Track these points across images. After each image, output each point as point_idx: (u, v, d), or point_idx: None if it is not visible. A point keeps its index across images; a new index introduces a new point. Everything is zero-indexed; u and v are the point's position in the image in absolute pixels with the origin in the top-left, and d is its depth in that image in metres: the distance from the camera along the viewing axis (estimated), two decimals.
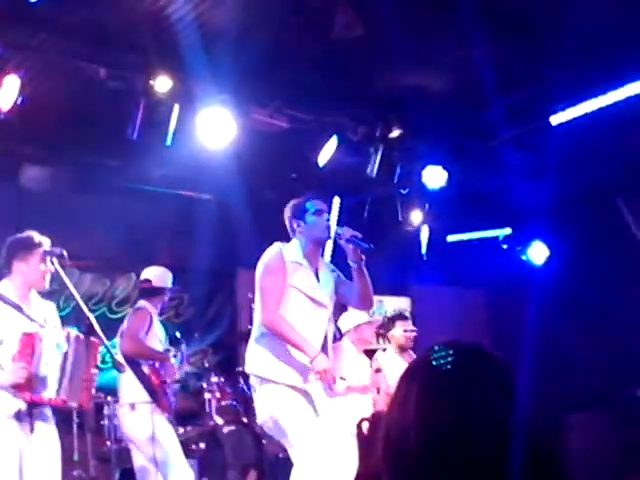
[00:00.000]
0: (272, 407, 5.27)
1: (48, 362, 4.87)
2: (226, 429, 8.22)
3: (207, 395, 8.45)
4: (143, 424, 6.86)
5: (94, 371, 5.16)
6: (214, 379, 8.60)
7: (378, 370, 7.68)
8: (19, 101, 6.51)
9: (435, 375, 1.67)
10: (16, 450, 4.80)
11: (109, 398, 7.58)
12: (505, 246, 11.20)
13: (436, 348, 1.72)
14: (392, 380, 8.01)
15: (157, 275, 7.34)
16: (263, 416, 5.34)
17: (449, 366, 1.67)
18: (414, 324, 11.97)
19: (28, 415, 4.87)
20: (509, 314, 11.54)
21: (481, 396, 1.61)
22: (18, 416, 4.83)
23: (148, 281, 7.31)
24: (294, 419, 5.21)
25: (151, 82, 6.91)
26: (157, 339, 7.17)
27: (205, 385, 8.52)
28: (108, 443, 7.57)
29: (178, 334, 7.61)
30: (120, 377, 7.00)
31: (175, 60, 6.75)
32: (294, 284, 5.34)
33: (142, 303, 7.29)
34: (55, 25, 6.37)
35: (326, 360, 5.22)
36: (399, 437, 1.63)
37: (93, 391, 5.22)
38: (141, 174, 9.02)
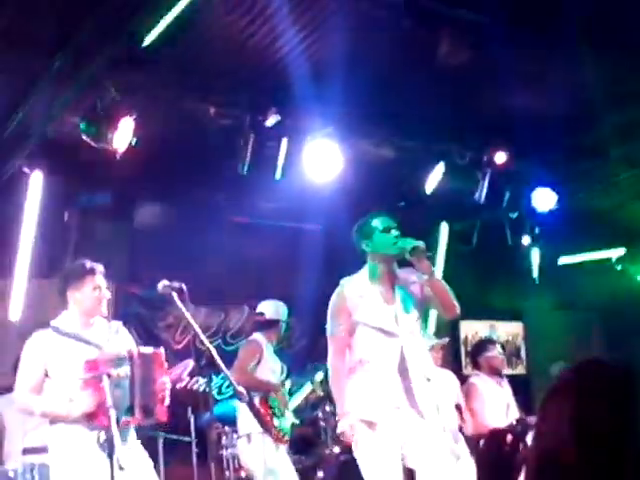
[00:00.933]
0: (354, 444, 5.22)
1: (116, 384, 4.81)
2: (343, 457, 8.24)
3: (322, 423, 8.48)
4: (259, 455, 6.96)
5: (164, 381, 5.10)
6: (328, 408, 8.63)
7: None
8: (133, 142, 6.70)
9: (592, 389, 1.68)
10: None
11: (226, 428, 7.69)
12: (619, 267, 10.94)
13: (585, 364, 1.75)
14: (491, 403, 7.92)
15: (271, 308, 7.48)
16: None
17: (604, 381, 1.68)
18: (527, 349, 11.90)
19: (108, 441, 4.72)
20: (625, 337, 11.28)
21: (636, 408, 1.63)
22: (99, 444, 4.73)
23: (262, 314, 7.46)
24: (366, 458, 5.13)
25: (259, 118, 7.03)
26: (269, 370, 7.27)
27: (320, 414, 8.55)
28: (227, 473, 7.66)
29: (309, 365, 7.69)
30: (238, 409, 7.12)
31: (282, 94, 6.87)
32: (359, 319, 5.22)
33: (255, 336, 7.42)
34: (165, 67, 6.55)
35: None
36: (556, 453, 1.64)
37: (167, 401, 5.11)
38: (251, 208, 9.17)
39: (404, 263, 5.39)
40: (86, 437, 4.81)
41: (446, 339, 8.29)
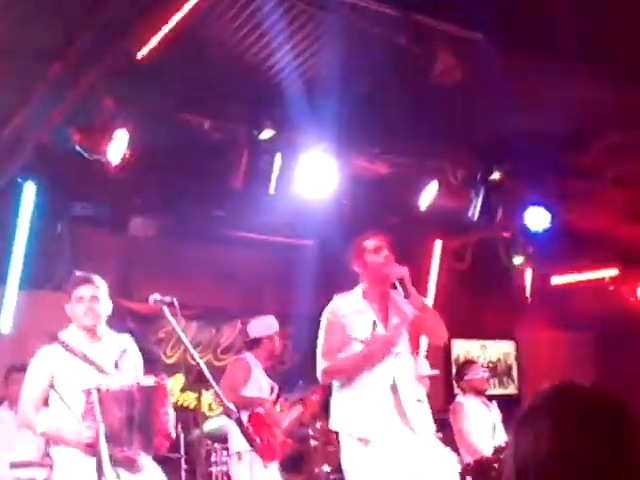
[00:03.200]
0: (344, 460, 5.20)
1: (116, 416, 4.77)
2: (332, 476, 8.20)
3: (313, 442, 8.44)
4: (249, 473, 6.93)
5: (167, 416, 5.01)
6: (319, 425, 8.58)
7: None
8: (127, 155, 6.69)
9: (573, 408, 1.68)
10: None
11: (216, 445, 7.65)
12: (612, 287, 10.95)
13: (557, 388, 1.75)
14: (478, 424, 7.90)
15: (256, 327, 7.45)
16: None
17: (587, 400, 1.68)
18: (519, 368, 11.89)
19: (97, 462, 4.68)
20: (619, 357, 11.28)
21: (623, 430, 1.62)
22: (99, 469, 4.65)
23: (247, 334, 7.45)
24: (357, 476, 5.07)
25: (254, 132, 7.04)
26: (258, 389, 7.24)
27: (310, 432, 8.51)
28: None
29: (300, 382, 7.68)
30: (229, 426, 7.09)
31: (277, 109, 6.88)
32: (354, 335, 5.15)
33: (244, 355, 7.41)
34: (161, 79, 6.55)
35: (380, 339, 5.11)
36: (537, 471, 1.64)
37: (173, 433, 5.07)
38: (245, 222, 9.16)
39: None
40: (84, 463, 4.73)
41: (436, 372, 8.28)
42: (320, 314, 5.40)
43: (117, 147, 6.63)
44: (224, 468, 7.48)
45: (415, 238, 8.69)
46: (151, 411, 4.94)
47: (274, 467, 7.16)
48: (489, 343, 11.90)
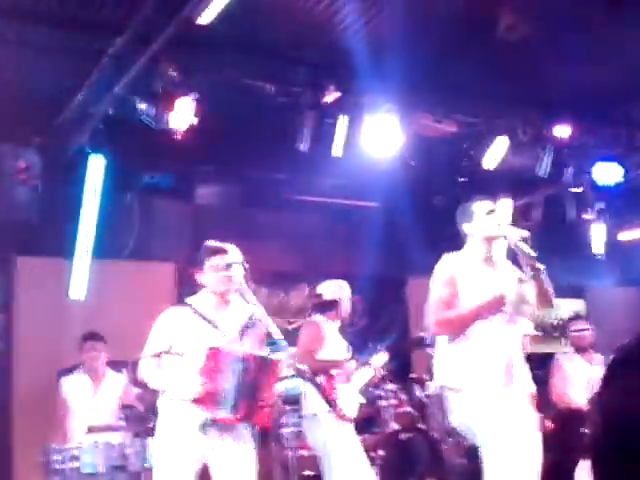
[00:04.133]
0: (463, 415, 5.15)
1: (228, 379, 4.90)
2: (403, 435, 8.23)
3: (383, 402, 8.46)
4: (325, 434, 6.96)
5: (273, 392, 5.14)
6: (389, 386, 8.59)
7: None
8: (193, 122, 6.71)
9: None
10: (193, 463, 4.94)
11: (287, 407, 7.71)
12: None
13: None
14: (576, 380, 7.91)
15: (329, 288, 7.44)
16: (456, 421, 5.24)
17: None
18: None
19: (214, 427, 4.96)
20: None
21: None
22: (203, 428, 4.92)
23: (319, 295, 7.43)
24: (485, 425, 5.03)
25: (318, 94, 7.00)
26: (334, 350, 7.25)
27: (381, 393, 8.53)
28: (286, 452, 7.68)
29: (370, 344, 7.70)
30: (302, 388, 7.13)
31: (341, 71, 6.84)
32: (466, 291, 5.15)
33: (314, 317, 7.40)
34: (223, 46, 6.55)
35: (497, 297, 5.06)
36: (622, 426, 1.61)
37: (271, 411, 5.20)
38: (310, 186, 9.16)
39: None
40: (190, 417, 4.92)
41: (539, 333, 8.36)
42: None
43: (181, 115, 6.64)
44: (294, 429, 7.54)
45: (483, 196, 8.57)
46: (260, 384, 5.05)
47: (350, 427, 7.20)
48: (559, 301, 11.72)
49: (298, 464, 7.63)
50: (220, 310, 5.24)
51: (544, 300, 5.29)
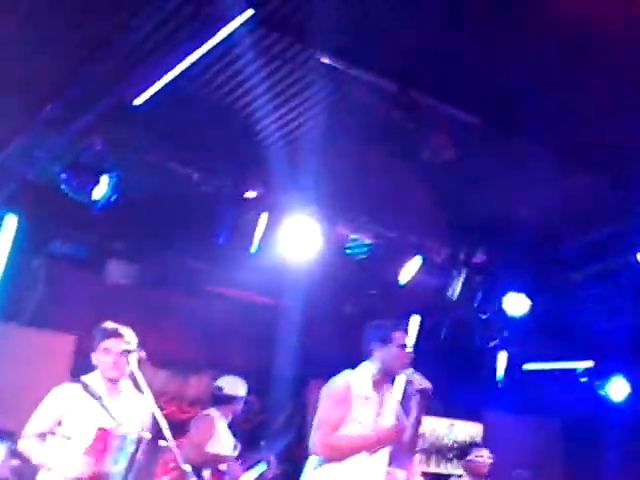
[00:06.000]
0: None
1: (116, 461, 4.84)
2: None
3: None
4: None
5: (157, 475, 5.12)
6: None
7: None
8: (113, 198, 6.68)
9: None
10: None
11: None
12: (584, 379, 10.91)
13: None
14: None
15: (230, 384, 7.40)
16: None
17: None
18: None
19: None
20: (584, 447, 11.23)
21: None
22: None
23: (220, 389, 7.38)
24: None
25: (241, 190, 7.04)
26: (222, 446, 7.17)
27: None
28: None
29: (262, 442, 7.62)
30: None
31: (266, 170, 6.89)
32: (358, 418, 5.19)
33: (209, 410, 7.34)
34: (154, 128, 6.57)
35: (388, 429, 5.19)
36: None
37: None
38: (224, 278, 9.11)
39: None
40: None
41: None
42: (292, 376, 5.44)
43: (103, 190, 6.61)
44: None
45: (393, 311, 8.62)
46: (150, 467, 5.01)
47: None
48: (457, 422, 11.81)
49: None
50: (113, 393, 5.16)
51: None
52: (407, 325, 5.58)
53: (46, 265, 8.54)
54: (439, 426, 11.60)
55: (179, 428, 7.87)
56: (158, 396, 8.85)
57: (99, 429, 4.84)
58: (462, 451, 8.70)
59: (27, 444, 5.00)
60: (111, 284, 8.95)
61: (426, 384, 5.26)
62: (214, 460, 7.11)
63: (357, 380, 5.29)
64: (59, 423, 5.00)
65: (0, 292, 7.80)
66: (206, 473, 7.00)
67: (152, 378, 8.81)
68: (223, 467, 7.14)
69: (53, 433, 5.00)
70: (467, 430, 11.88)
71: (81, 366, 8.27)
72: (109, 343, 5.17)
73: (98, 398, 5.04)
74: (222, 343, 9.48)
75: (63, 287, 8.63)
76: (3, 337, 7.95)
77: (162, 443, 5.06)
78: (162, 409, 8.92)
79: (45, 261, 8.53)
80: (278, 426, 10.21)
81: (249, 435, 9.03)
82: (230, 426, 7.46)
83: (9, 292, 7.90)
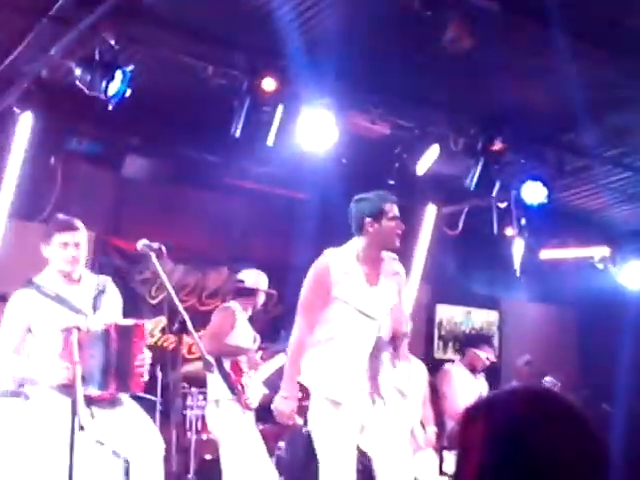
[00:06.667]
0: (311, 419, 5.22)
1: (92, 356, 4.80)
2: (304, 429, 8.25)
3: None
4: (226, 421, 6.98)
5: (143, 356, 5.02)
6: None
7: None
8: (128, 93, 6.61)
9: (503, 419, 1.66)
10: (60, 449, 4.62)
11: (193, 389, 7.69)
12: (601, 266, 10.94)
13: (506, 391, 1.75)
14: (464, 390, 8.01)
15: (251, 277, 7.47)
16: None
17: (518, 410, 1.66)
18: (501, 339, 11.93)
19: (72, 402, 4.69)
20: (599, 336, 11.34)
21: (550, 443, 1.60)
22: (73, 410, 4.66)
23: (241, 281, 7.44)
24: (324, 435, 5.09)
25: (256, 82, 6.95)
26: (241, 338, 7.27)
27: None
28: (189, 434, 7.65)
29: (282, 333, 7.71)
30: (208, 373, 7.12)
31: (281, 62, 6.80)
32: (339, 295, 5.07)
33: (230, 303, 7.42)
34: (167, 21, 6.47)
35: (287, 405, 5.13)
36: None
37: (146, 375, 5.07)
38: (241, 171, 9.10)
39: None
40: (60, 402, 4.75)
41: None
42: (306, 267, 5.35)
43: (117, 85, 6.54)
44: (199, 412, 7.53)
45: (409, 201, 8.62)
46: (128, 352, 4.94)
47: (251, 416, 7.22)
48: (474, 310, 11.93)
49: (199, 448, 7.62)
50: (70, 285, 5.06)
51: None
52: (393, 196, 5.26)
53: (63, 162, 8.53)
54: (456, 314, 11.73)
55: (199, 320, 8.02)
56: (178, 289, 9.10)
57: (63, 330, 4.76)
58: (471, 339, 8.79)
59: (5, 360, 4.92)
60: (128, 180, 8.95)
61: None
62: (234, 352, 7.22)
63: (338, 257, 5.15)
64: (29, 330, 4.93)
65: (18, 191, 7.81)
66: (226, 364, 7.14)
67: (171, 272, 9.00)
68: (243, 359, 7.26)
69: (24, 343, 4.93)
70: (484, 317, 12.01)
71: (102, 262, 8.43)
72: (66, 237, 5.03)
73: (55, 297, 4.94)
74: (239, 236, 9.53)
75: (80, 184, 8.64)
76: (21, 235, 7.99)
77: (127, 322, 5.08)
78: (183, 302, 9.15)
79: (62, 158, 8.52)
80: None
81: (269, 326, 9.18)
82: (250, 319, 7.56)
83: (26, 190, 7.90)
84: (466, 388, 8.10)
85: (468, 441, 1.68)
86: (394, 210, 5.20)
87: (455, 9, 5.90)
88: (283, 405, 5.13)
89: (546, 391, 1.72)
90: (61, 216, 5.24)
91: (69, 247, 5.02)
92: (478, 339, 8.76)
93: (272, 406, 5.19)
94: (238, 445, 6.96)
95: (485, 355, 8.40)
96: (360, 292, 5.12)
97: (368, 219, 5.17)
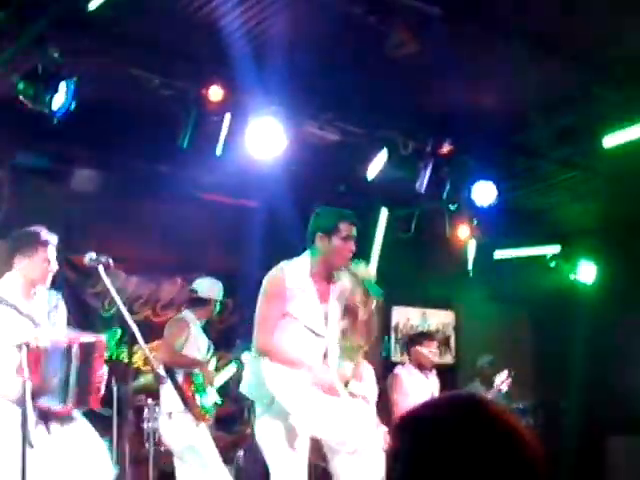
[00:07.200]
0: (257, 432, 5.18)
1: (54, 371, 4.79)
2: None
3: (246, 401, 8.46)
4: (179, 433, 6.96)
5: (102, 372, 5.03)
6: None
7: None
8: (72, 105, 6.55)
9: (428, 433, 1.66)
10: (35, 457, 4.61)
11: (149, 401, 7.64)
12: (553, 264, 11.05)
13: (434, 403, 1.76)
14: (415, 395, 8.03)
15: (205, 286, 7.44)
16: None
17: (443, 425, 1.66)
18: (457, 339, 12.01)
19: (42, 422, 4.80)
20: (553, 333, 11.48)
21: (475, 456, 1.60)
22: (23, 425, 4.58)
23: (195, 291, 7.41)
24: (272, 448, 5.07)
25: (203, 91, 6.92)
26: (195, 348, 7.25)
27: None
28: (147, 445, 7.60)
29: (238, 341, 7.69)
30: (161, 385, 7.08)
31: (228, 70, 6.78)
32: (292, 312, 5.03)
33: (184, 313, 7.39)
34: (111, 33, 6.42)
35: (326, 371, 5.04)
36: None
37: (102, 390, 5.07)
38: (191, 181, 9.05)
39: None
40: (14, 416, 4.67)
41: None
42: (258, 275, 5.31)
43: (62, 98, 6.47)
44: (156, 425, 7.48)
45: (361, 206, 8.63)
46: (89, 367, 4.93)
47: (204, 427, 7.20)
48: (429, 311, 11.99)
49: (158, 459, 7.57)
50: (27, 299, 5.05)
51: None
52: (354, 217, 5.18)
53: (10, 177, 8.43)
54: (412, 316, 11.78)
55: (154, 331, 7.97)
56: (132, 301, 9.04)
57: (16, 346, 4.66)
58: (412, 338, 8.79)
59: None
60: (77, 193, 8.86)
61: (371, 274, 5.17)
62: (189, 363, 7.20)
63: (292, 272, 5.09)
64: None
65: None
66: (179, 377, 7.10)
67: (124, 284, 8.94)
68: (196, 370, 7.23)
69: None
70: (440, 318, 12.07)
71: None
72: (51, 251, 5.10)
73: (13, 306, 4.91)
74: (192, 246, 9.48)
75: (29, 198, 8.54)
76: None
77: (89, 338, 5.04)
78: (137, 313, 9.09)
79: (9, 173, 8.42)
80: (251, 325, 10.28)
81: (224, 334, 9.16)
82: (205, 328, 7.54)
83: None
84: (416, 389, 8.13)
85: (397, 452, 1.69)
86: (350, 231, 5.13)
87: (399, 14, 5.92)
88: (324, 377, 5.04)
89: (475, 402, 1.71)
90: (44, 232, 5.20)
91: (52, 262, 5.09)
92: (419, 336, 8.78)
93: (312, 384, 4.99)
94: (192, 457, 6.95)
95: (427, 350, 8.41)
96: (311, 309, 5.10)
97: (320, 233, 5.14)
